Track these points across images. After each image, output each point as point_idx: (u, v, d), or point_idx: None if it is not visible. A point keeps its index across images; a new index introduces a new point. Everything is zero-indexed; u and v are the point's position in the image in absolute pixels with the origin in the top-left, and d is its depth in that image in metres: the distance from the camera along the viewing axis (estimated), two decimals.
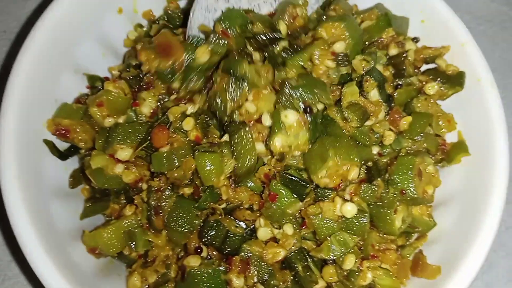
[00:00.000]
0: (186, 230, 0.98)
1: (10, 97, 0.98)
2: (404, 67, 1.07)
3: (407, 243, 1.05)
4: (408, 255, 1.02)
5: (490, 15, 1.60)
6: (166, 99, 1.07)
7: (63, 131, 1.04)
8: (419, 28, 1.16)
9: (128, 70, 1.14)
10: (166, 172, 0.99)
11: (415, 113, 1.06)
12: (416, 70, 1.13)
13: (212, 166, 0.95)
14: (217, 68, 1.02)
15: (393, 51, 1.10)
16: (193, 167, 0.97)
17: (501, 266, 1.28)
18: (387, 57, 1.09)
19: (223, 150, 0.96)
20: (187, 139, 0.99)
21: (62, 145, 1.08)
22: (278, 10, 1.10)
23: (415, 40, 1.16)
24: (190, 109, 1.02)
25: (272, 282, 0.97)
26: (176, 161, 0.97)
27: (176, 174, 0.98)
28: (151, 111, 1.06)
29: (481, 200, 0.99)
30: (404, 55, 1.08)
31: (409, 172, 0.97)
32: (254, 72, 0.99)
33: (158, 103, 1.07)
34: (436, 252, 1.01)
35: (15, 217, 0.92)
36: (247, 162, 0.96)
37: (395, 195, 0.96)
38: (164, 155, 0.98)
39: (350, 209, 0.93)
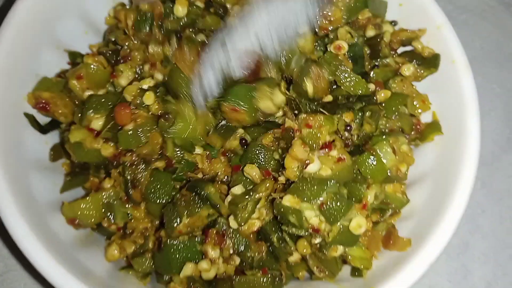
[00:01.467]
0: (164, 202, 0.99)
1: None
2: (379, 48, 1.09)
3: (381, 219, 1.06)
4: (381, 231, 1.04)
5: (471, 5, 1.62)
6: (143, 70, 1.08)
7: (44, 104, 1.05)
8: (397, 11, 1.18)
9: (107, 46, 1.16)
10: (134, 149, 1.00)
11: (391, 93, 1.08)
12: (392, 52, 1.15)
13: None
14: None
15: (370, 32, 1.12)
16: (160, 141, 0.99)
17: (477, 248, 1.30)
18: (364, 38, 1.11)
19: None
20: (150, 113, 1.00)
21: (43, 120, 1.09)
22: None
23: (393, 23, 1.18)
24: (147, 82, 1.03)
25: (247, 253, 0.99)
26: (142, 137, 0.99)
27: (145, 151, 1.00)
28: (128, 83, 1.07)
29: (452, 178, 1.01)
30: (380, 36, 1.10)
31: (386, 148, 0.98)
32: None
33: (136, 75, 1.09)
34: (408, 227, 1.04)
35: None
36: None
37: (369, 166, 0.98)
38: (130, 132, 0.99)
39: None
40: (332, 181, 0.92)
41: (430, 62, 1.11)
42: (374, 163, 0.97)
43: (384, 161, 0.97)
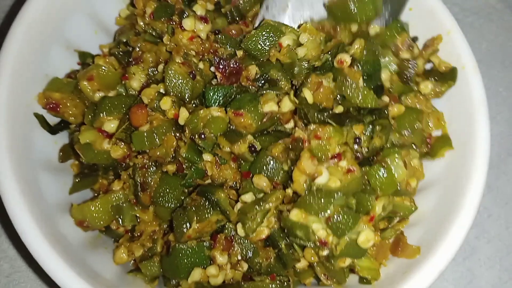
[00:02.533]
0: (172, 206, 0.99)
1: (2, 70, 0.99)
2: (410, 76, 1.08)
3: (389, 226, 1.06)
4: (389, 237, 1.04)
5: (477, 7, 1.62)
6: (156, 72, 1.08)
7: (54, 105, 1.05)
8: (407, 15, 1.16)
9: (118, 47, 1.15)
10: (148, 151, 1.00)
11: (406, 108, 1.06)
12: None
13: None
14: None
15: (404, 54, 1.10)
16: (174, 144, 0.99)
17: (482, 252, 1.31)
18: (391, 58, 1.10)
19: None
20: (166, 117, 1.00)
21: (52, 120, 1.10)
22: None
23: (415, 39, 1.16)
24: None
25: (255, 259, 1.00)
26: (157, 139, 0.99)
27: (158, 153, 1.00)
28: (141, 85, 1.07)
29: (461, 184, 1.01)
30: (411, 63, 1.09)
31: (397, 161, 0.97)
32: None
33: (148, 77, 1.08)
34: (416, 233, 1.03)
35: (5, 186, 0.93)
36: None
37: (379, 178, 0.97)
38: (145, 134, 0.99)
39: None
40: (340, 193, 0.92)
41: (447, 76, 1.10)
42: (385, 175, 0.96)
43: (395, 174, 0.96)
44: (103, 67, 1.05)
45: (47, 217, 0.97)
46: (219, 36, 1.08)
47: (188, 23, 1.05)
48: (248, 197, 0.97)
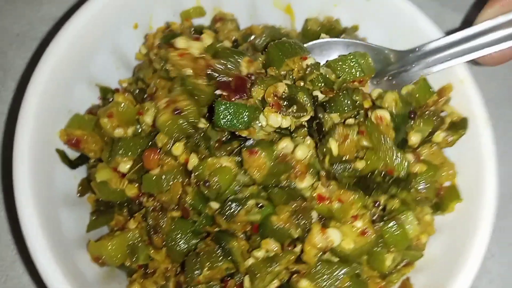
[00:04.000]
0: (184, 250, 1.02)
1: (27, 108, 1.02)
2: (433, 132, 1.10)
3: (394, 270, 1.07)
4: (395, 281, 1.06)
5: None
6: None
7: (75, 141, 1.08)
8: None
9: (136, 83, 1.18)
10: (155, 194, 1.02)
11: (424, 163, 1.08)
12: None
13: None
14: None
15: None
16: (180, 192, 1.00)
17: None
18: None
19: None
20: (177, 162, 1.02)
21: (72, 154, 1.12)
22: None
23: None
24: None
25: None
26: (165, 184, 1.01)
27: (164, 198, 1.02)
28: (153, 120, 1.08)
29: (468, 232, 1.03)
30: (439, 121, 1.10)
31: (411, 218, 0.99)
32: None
33: None
34: (422, 279, 1.05)
35: (27, 224, 0.95)
36: None
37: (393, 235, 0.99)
38: (154, 177, 1.01)
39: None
40: (347, 269, 0.95)
41: (458, 126, 1.11)
42: (398, 232, 0.98)
43: (409, 231, 0.98)
44: (122, 104, 1.08)
45: (66, 253, 0.99)
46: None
47: (179, 42, 1.07)
48: (260, 254, 0.98)
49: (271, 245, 0.98)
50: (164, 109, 1.01)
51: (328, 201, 0.97)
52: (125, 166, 1.04)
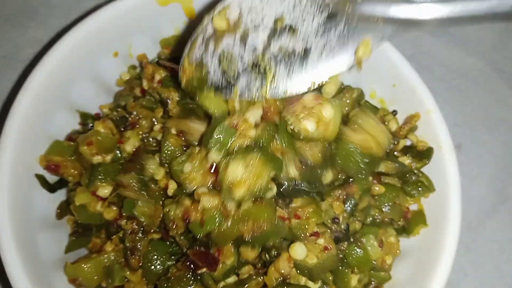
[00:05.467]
0: (160, 271, 1.05)
1: (8, 134, 1.04)
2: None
3: None
4: None
5: (465, 70, 1.65)
6: (150, 139, 1.13)
7: (54, 167, 1.11)
8: (390, 91, 1.23)
9: (117, 109, 1.21)
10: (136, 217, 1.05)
11: (385, 185, 1.14)
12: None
13: None
14: None
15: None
16: (161, 215, 1.04)
17: None
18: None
19: None
20: (158, 186, 1.06)
21: (51, 177, 1.15)
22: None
23: (394, 113, 1.23)
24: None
25: None
26: (146, 207, 1.04)
27: (144, 221, 1.04)
28: (134, 149, 1.11)
29: (431, 259, 1.06)
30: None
31: (372, 241, 1.04)
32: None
33: (142, 141, 1.13)
34: None
35: (5, 248, 0.98)
36: None
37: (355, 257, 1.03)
38: (135, 201, 1.04)
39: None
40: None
41: (423, 155, 1.16)
42: (360, 254, 1.03)
43: (370, 253, 1.03)
44: (102, 133, 1.11)
45: (42, 276, 1.02)
46: None
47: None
48: (231, 279, 1.02)
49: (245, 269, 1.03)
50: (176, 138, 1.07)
51: (287, 220, 1.01)
52: (103, 190, 1.08)
